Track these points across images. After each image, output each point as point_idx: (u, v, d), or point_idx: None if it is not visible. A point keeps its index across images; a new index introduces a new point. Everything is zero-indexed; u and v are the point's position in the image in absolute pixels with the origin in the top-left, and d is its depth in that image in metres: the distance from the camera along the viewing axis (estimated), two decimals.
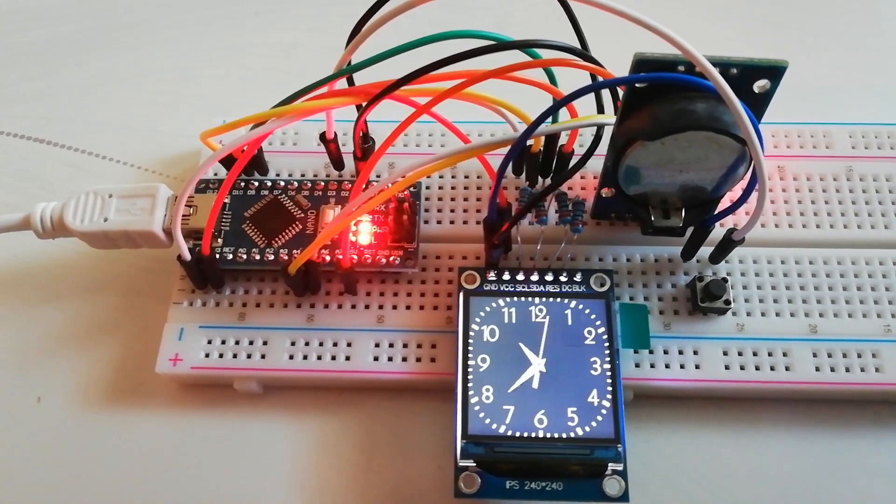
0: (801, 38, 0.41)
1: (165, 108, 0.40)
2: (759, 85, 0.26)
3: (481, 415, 0.28)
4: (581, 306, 0.30)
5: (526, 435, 0.28)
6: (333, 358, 0.31)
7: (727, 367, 0.30)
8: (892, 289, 0.31)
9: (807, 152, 0.34)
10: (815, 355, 0.30)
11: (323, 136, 0.32)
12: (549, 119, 0.28)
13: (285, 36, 0.42)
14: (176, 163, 0.38)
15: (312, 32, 0.42)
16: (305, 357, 0.31)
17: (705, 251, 0.31)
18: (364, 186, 0.29)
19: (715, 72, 0.23)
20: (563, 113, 0.28)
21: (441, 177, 0.34)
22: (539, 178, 0.33)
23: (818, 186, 0.34)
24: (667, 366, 0.30)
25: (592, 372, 0.29)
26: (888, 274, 0.32)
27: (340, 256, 0.30)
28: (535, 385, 0.28)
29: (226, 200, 0.32)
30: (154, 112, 0.39)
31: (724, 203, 0.30)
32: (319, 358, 0.31)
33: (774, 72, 0.25)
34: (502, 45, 0.26)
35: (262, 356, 0.31)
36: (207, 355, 0.31)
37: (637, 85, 0.25)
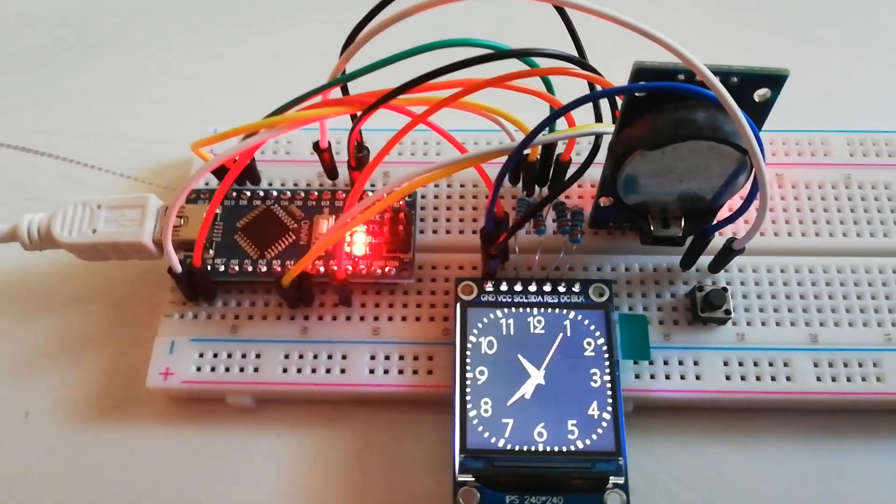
0: (798, 46, 0.41)
1: (154, 117, 0.39)
2: (760, 94, 0.25)
3: (480, 428, 0.28)
4: (580, 317, 0.29)
5: (526, 448, 0.27)
6: (328, 371, 0.30)
7: (728, 378, 0.30)
8: (893, 297, 0.31)
9: (805, 160, 0.34)
10: (815, 365, 0.30)
11: (316, 146, 0.32)
12: (547, 128, 0.27)
13: (275, 43, 0.42)
14: (165, 172, 0.37)
15: (302, 39, 0.42)
16: (299, 370, 0.30)
17: (705, 260, 0.31)
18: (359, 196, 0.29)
19: (716, 81, 0.23)
20: (561, 121, 0.28)
21: (436, 186, 0.34)
22: (536, 186, 0.33)
23: (817, 194, 0.33)
24: (667, 376, 0.30)
25: (592, 384, 0.28)
26: (888, 282, 0.31)
27: (335, 267, 0.30)
28: (534, 398, 0.28)
29: (217, 211, 0.32)
30: (142, 121, 0.39)
31: (724, 212, 0.29)
32: (314, 371, 0.30)
33: (775, 80, 0.25)
34: (500, 54, 0.25)
35: (255, 369, 0.30)
36: (199, 369, 0.30)
37: (636, 94, 0.25)
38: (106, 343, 0.33)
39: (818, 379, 0.30)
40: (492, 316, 0.29)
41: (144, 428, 0.31)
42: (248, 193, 0.32)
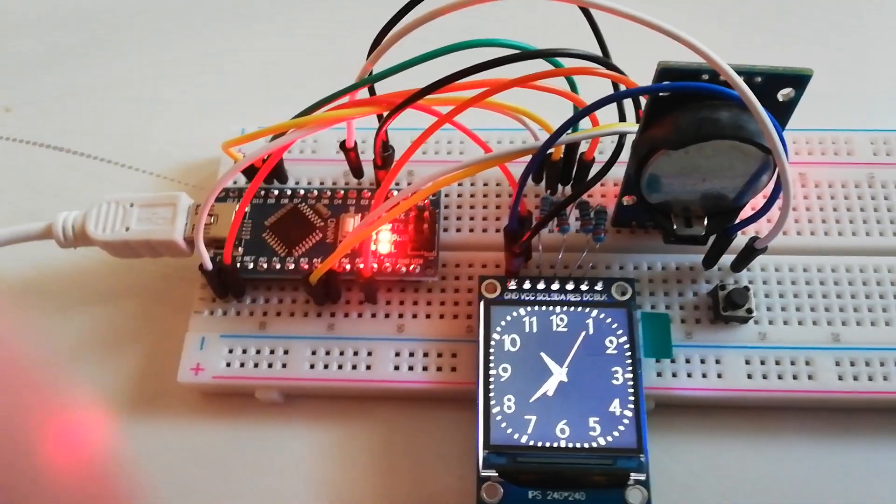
0: (821, 45, 0.41)
1: (183, 116, 0.40)
2: (784, 93, 0.25)
3: (503, 424, 0.28)
4: (602, 315, 0.30)
5: (548, 445, 0.28)
6: (354, 367, 0.31)
7: (749, 377, 0.30)
8: None
9: (828, 159, 0.34)
10: (837, 364, 0.30)
11: (342, 145, 0.32)
12: (571, 128, 0.28)
13: (305, 42, 0.42)
14: (193, 171, 0.38)
15: (332, 38, 0.42)
16: (326, 366, 0.31)
17: (727, 259, 0.31)
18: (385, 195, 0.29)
19: (740, 81, 0.23)
20: (585, 120, 0.28)
21: (460, 184, 0.34)
22: (559, 185, 0.33)
23: (840, 193, 0.33)
24: (689, 375, 0.30)
25: (614, 381, 0.29)
26: None
27: (361, 265, 0.30)
28: (556, 395, 0.28)
29: (246, 209, 0.32)
30: (170, 120, 0.39)
31: (747, 211, 0.30)
32: (340, 367, 0.31)
33: (799, 80, 0.25)
34: (526, 55, 0.26)
35: (284, 365, 0.31)
36: (229, 364, 0.31)
37: (660, 94, 0.25)
38: (138, 339, 0.33)
39: (840, 378, 0.30)
40: (515, 314, 0.30)
41: (175, 422, 0.32)
42: (276, 192, 0.33)
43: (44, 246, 0.32)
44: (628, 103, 0.29)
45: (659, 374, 0.30)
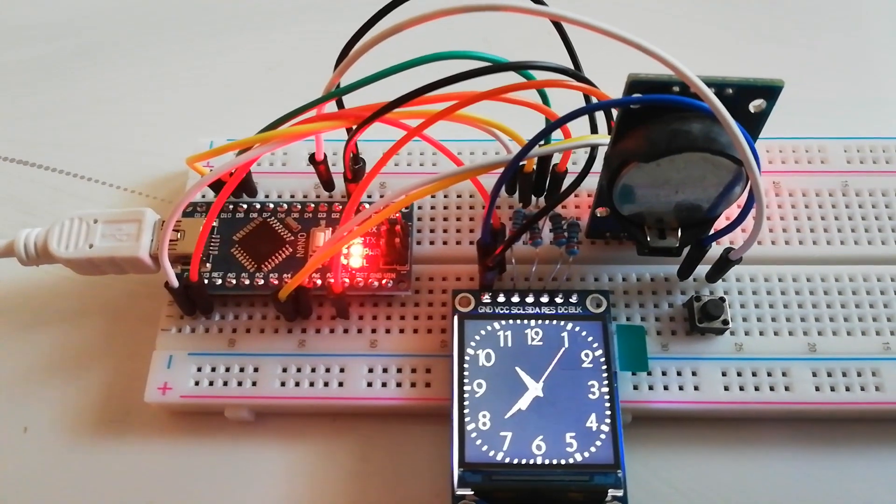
0: (795, 53, 0.41)
1: (150, 129, 0.39)
2: (755, 105, 0.25)
3: (478, 442, 0.27)
4: (577, 328, 0.29)
5: (524, 462, 0.27)
6: (326, 384, 0.30)
7: (726, 388, 0.30)
8: (891, 305, 0.31)
9: (802, 167, 0.34)
10: (814, 374, 0.30)
11: (312, 158, 0.32)
12: (542, 140, 0.27)
13: (271, 54, 0.42)
14: (162, 184, 0.37)
15: (298, 50, 0.42)
16: (297, 384, 0.30)
17: (702, 269, 0.31)
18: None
19: (710, 93, 0.23)
20: (557, 132, 0.28)
21: (433, 197, 0.34)
22: (532, 196, 0.33)
23: (814, 202, 0.33)
24: (665, 388, 0.30)
25: (590, 396, 0.28)
26: (886, 290, 0.31)
27: (332, 281, 0.29)
28: (532, 410, 0.28)
29: (214, 224, 0.32)
30: (139, 133, 0.39)
31: (721, 222, 0.29)
32: (312, 384, 0.30)
33: (770, 91, 0.25)
34: (497, 67, 0.25)
35: (253, 383, 0.30)
36: (197, 383, 0.30)
37: (631, 106, 0.25)
38: (104, 357, 0.33)
39: (817, 389, 0.30)
40: (489, 328, 0.29)
41: (143, 442, 0.31)
42: (245, 206, 0.32)
43: (5, 263, 0.31)
44: (600, 115, 0.29)
45: (635, 388, 0.30)
